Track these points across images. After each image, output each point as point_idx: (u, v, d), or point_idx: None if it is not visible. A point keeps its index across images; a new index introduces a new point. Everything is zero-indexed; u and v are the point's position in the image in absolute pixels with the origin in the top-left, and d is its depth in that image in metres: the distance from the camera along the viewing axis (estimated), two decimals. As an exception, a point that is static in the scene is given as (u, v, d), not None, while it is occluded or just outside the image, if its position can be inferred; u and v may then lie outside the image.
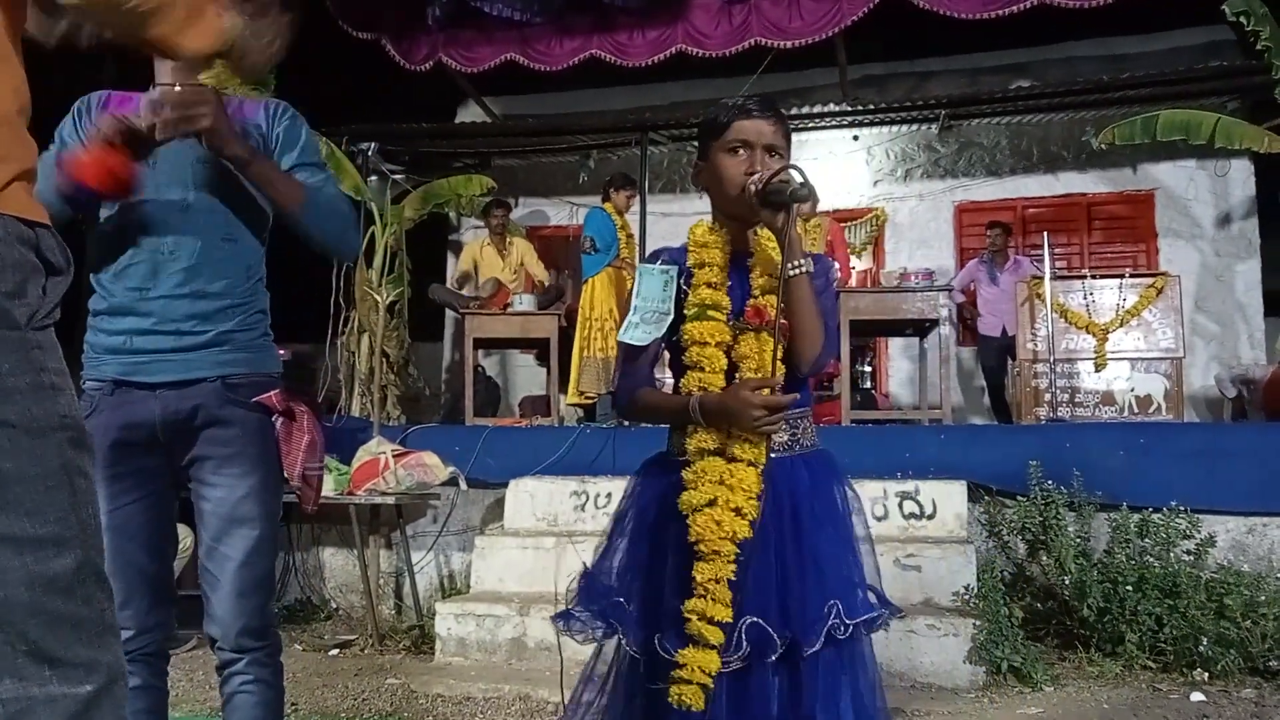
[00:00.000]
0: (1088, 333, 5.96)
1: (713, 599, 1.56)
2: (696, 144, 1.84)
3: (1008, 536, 4.25)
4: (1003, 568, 4.18)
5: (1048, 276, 5.96)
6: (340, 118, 7.59)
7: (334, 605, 5.12)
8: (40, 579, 1.00)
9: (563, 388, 6.66)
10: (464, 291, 7.44)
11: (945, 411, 6.09)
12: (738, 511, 1.58)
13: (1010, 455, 4.38)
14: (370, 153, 7.15)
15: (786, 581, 1.62)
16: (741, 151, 1.70)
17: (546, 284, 7.47)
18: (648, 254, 1.81)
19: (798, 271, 1.62)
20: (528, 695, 3.52)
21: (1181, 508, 3.95)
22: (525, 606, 3.98)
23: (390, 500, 4.56)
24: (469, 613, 4.04)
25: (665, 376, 1.91)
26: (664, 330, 1.71)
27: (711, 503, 1.60)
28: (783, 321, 1.62)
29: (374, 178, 7.52)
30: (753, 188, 1.63)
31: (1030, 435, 4.98)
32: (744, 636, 1.57)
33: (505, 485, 4.72)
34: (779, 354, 1.60)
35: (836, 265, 1.92)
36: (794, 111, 7.44)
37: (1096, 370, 5.92)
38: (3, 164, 1.03)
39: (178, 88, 1.77)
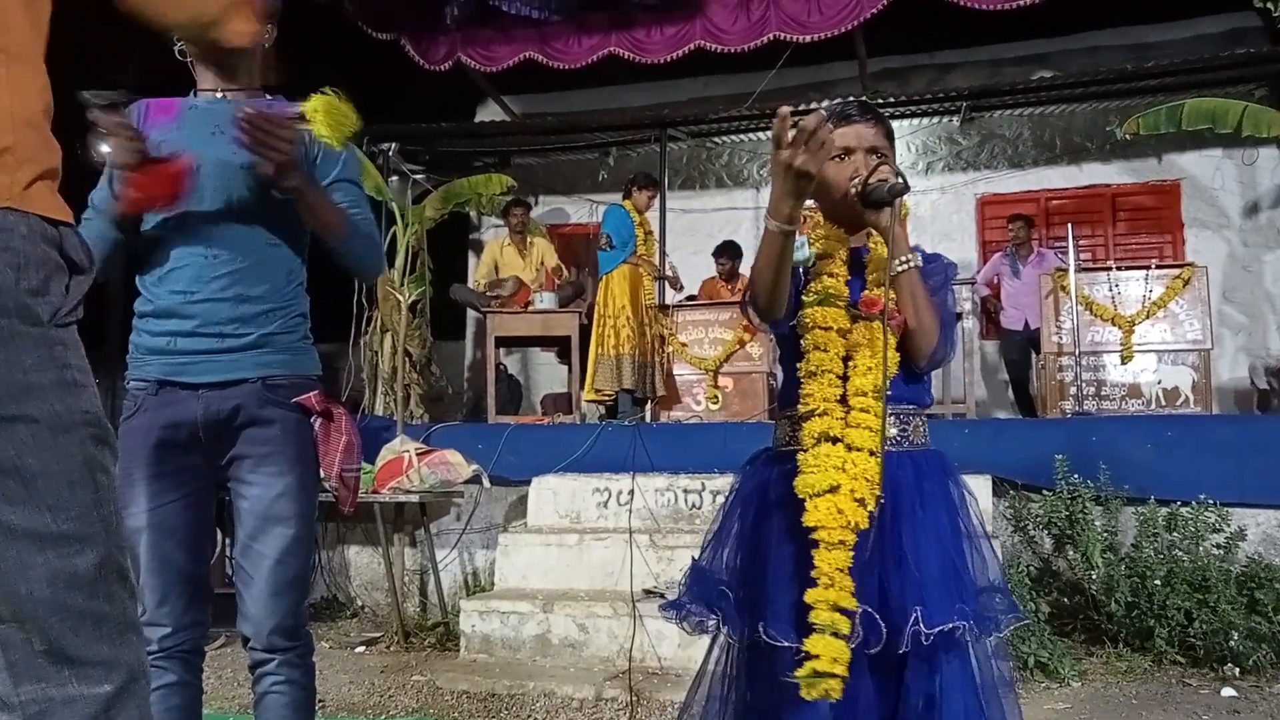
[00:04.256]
0: (1113, 325, 5.89)
1: (839, 588, 1.52)
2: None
3: (1034, 531, 4.22)
4: (1029, 563, 4.15)
5: (1072, 269, 5.89)
6: (360, 118, 7.61)
7: (359, 603, 5.16)
8: (62, 576, 1.00)
9: (584, 385, 6.68)
10: (485, 290, 7.46)
11: (969, 406, 6.05)
12: (859, 501, 1.55)
13: (1035, 449, 4.34)
14: (391, 153, 7.21)
15: (883, 577, 1.59)
16: (845, 159, 1.70)
17: (562, 273, 7.49)
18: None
19: (906, 267, 1.64)
20: (552, 692, 3.54)
21: (1210, 501, 3.90)
22: (549, 603, 4.00)
23: (414, 498, 4.60)
24: (493, 610, 4.06)
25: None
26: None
27: (833, 489, 1.56)
28: (895, 312, 1.63)
29: (394, 178, 7.57)
30: (854, 190, 1.64)
31: (1056, 429, 4.93)
32: (860, 626, 1.53)
33: (528, 483, 4.74)
34: (888, 339, 1.60)
35: (955, 264, 1.89)
36: (813, 106, 7.39)
37: (1123, 363, 5.85)
38: (27, 164, 1.04)
39: (267, 110, 1.77)
